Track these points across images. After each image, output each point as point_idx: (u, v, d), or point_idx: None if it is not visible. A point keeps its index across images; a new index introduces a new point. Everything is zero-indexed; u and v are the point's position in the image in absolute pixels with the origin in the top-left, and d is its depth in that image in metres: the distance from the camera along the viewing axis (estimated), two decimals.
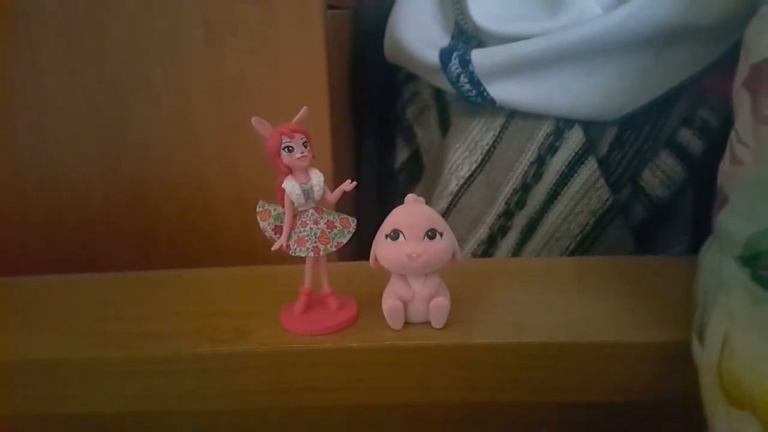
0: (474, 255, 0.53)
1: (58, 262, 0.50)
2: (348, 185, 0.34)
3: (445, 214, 0.54)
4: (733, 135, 0.33)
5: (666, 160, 0.49)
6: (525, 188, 0.51)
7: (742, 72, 0.34)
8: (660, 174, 0.49)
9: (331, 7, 0.50)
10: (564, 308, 0.35)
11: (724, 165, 0.33)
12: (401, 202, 0.34)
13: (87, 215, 0.51)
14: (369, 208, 0.63)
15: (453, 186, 0.53)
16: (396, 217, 0.33)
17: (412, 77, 0.60)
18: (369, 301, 0.35)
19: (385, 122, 0.67)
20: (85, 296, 0.40)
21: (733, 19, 0.43)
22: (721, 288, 0.29)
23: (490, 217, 0.52)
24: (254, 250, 0.49)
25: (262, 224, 0.34)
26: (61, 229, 0.52)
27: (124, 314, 0.37)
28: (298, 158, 0.32)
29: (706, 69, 0.47)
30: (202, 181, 0.51)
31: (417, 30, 0.55)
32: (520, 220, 0.51)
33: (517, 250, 0.52)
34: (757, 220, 0.29)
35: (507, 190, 0.51)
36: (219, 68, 0.49)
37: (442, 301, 0.33)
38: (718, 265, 0.30)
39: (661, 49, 0.46)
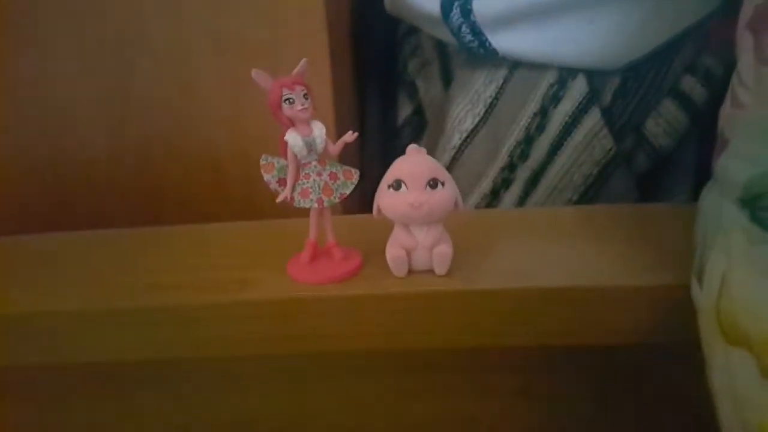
0: (477, 208, 0.53)
1: (65, 221, 0.51)
2: (349, 136, 0.34)
3: (449, 168, 0.54)
4: (734, 78, 0.33)
5: (669, 109, 0.49)
6: (528, 140, 0.51)
7: (746, 13, 0.34)
8: (663, 123, 0.49)
9: None
10: (565, 254, 0.36)
11: (725, 108, 0.33)
12: None
13: (93, 174, 0.52)
14: (373, 164, 0.64)
15: (456, 140, 0.53)
16: (398, 167, 0.33)
17: (413, 30, 0.60)
18: (373, 252, 0.36)
19: (388, 77, 0.67)
20: (97, 251, 0.40)
21: None
22: (720, 230, 0.30)
23: (494, 171, 0.52)
24: (259, 204, 0.49)
25: (266, 177, 0.35)
26: (68, 188, 0.53)
27: (136, 268, 0.37)
28: (299, 110, 0.33)
29: (709, 15, 0.46)
30: (206, 138, 0.51)
31: None
32: (524, 173, 0.51)
33: (520, 203, 0.52)
34: (757, 162, 0.29)
35: (510, 142, 0.51)
36: (218, 25, 0.48)
37: (444, 249, 0.34)
38: (718, 207, 0.30)
39: None
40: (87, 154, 0.51)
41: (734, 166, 0.30)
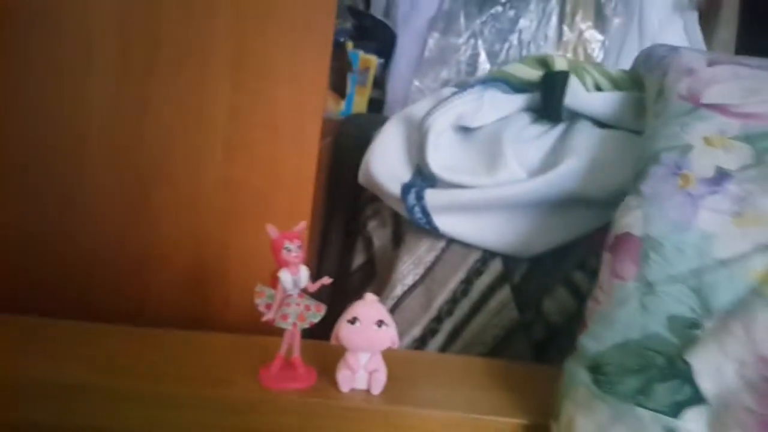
0: (408, 349, 0.65)
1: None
2: (326, 280, 0.47)
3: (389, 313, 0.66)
4: (598, 281, 0.48)
5: (562, 294, 0.63)
6: (454, 301, 0.64)
7: (609, 238, 0.49)
8: (557, 305, 0.63)
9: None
10: (460, 391, 0.48)
11: (589, 302, 0.47)
12: (354, 298, 0.46)
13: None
14: (322, 298, 0.75)
15: (398, 291, 0.66)
16: (356, 308, 0.45)
17: (376, 198, 0.74)
18: (326, 370, 0.47)
19: (349, 230, 0.80)
20: (84, 341, 0.50)
21: (621, 197, 0.59)
22: (572, 386, 0.42)
23: (424, 321, 0.65)
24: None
25: (257, 301, 0.46)
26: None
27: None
28: (294, 257, 0.45)
29: (599, 229, 0.62)
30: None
31: (386, 166, 0.69)
32: (448, 326, 0.64)
33: (442, 350, 0.64)
34: (600, 342, 0.42)
35: (440, 300, 0.64)
36: (230, 177, 0.61)
37: (380, 375, 0.46)
38: (573, 370, 0.43)
39: (566, 210, 0.62)
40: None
41: (587, 343, 0.44)
